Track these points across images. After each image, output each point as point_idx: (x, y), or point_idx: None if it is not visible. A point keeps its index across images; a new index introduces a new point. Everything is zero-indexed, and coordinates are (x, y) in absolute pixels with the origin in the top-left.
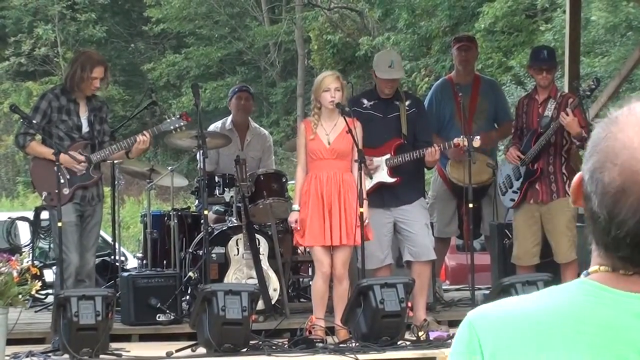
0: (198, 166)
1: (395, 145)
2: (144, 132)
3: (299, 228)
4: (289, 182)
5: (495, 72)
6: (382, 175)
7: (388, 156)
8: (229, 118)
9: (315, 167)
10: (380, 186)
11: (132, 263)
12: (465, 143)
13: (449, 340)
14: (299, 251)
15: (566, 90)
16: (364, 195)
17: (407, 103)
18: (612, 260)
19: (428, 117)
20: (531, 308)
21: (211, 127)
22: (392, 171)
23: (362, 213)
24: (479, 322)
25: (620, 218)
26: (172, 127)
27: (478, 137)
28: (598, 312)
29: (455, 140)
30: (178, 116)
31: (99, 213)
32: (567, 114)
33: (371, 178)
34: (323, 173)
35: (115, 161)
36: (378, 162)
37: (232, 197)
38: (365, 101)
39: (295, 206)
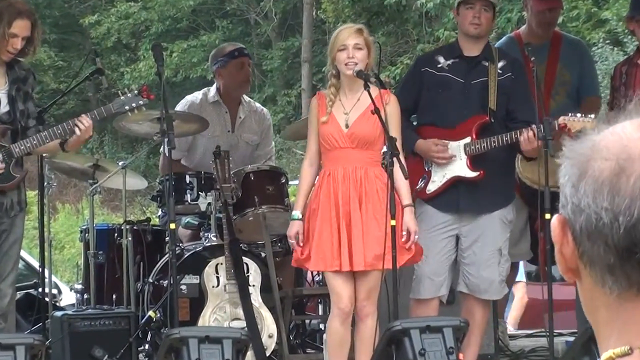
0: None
1: (479, 125)
2: (83, 116)
3: (301, 244)
4: (290, 184)
5: (582, 29)
6: (460, 167)
7: (468, 140)
8: (212, 88)
9: (329, 159)
10: (456, 182)
11: (68, 298)
12: (575, 124)
13: None
14: (306, 281)
15: None
16: (405, 201)
17: (499, 65)
18: (629, 286)
19: (528, 87)
20: None
21: (186, 102)
22: (474, 162)
23: (393, 227)
24: None
25: (626, 203)
26: (127, 108)
27: (579, 115)
28: None
29: (562, 119)
30: (135, 92)
31: (19, 227)
32: None
33: (406, 177)
34: (338, 168)
35: (43, 155)
36: (454, 148)
37: (209, 204)
38: (441, 59)
39: (296, 213)
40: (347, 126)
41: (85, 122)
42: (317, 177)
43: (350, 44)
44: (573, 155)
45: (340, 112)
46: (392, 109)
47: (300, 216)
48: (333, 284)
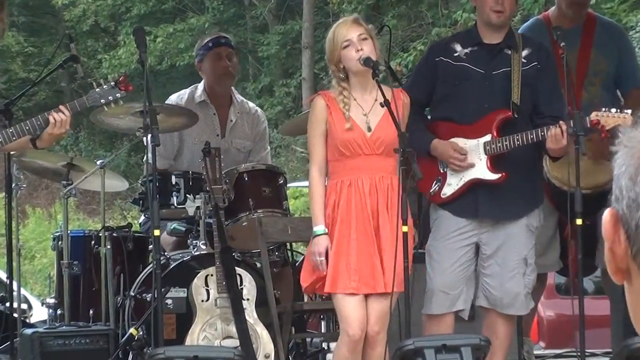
0: (145, 159)
1: (500, 121)
2: (60, 107)
3: (325, 265)
4: (289, 185)
5: (619, 10)
6: (479, 169)
7: (488, 138)
8: (200, 86)
9: (349, 168)
10: (475, 185)
11: (39, 314)
12: (609, 120)
13: None
14: (307, 295)
15: None
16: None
17: (524, 53)
18: None
19: (557, 77)
20: None
21: (171, 101)
22: (495, 162)
23: (406, 233)
24: None
25: None
26: (103, 101)
27: (614, 110)
28: None
29: (594, 115)
30: (112, 83)
31: None
32: None
33: (420, 176)
34: (362, 177)
35: (12, 153)
36: (472, 147)
37: (198, 208)
38: (458, 47)
39: (320, 228)
40: (369, 129)
41: (65, 112)
42: (327, 188)
43: (354, 36)
44: (631, 144)
45: (358, 114)
46: (405, 113)
47: (325, 229)
48: (343, 307)
